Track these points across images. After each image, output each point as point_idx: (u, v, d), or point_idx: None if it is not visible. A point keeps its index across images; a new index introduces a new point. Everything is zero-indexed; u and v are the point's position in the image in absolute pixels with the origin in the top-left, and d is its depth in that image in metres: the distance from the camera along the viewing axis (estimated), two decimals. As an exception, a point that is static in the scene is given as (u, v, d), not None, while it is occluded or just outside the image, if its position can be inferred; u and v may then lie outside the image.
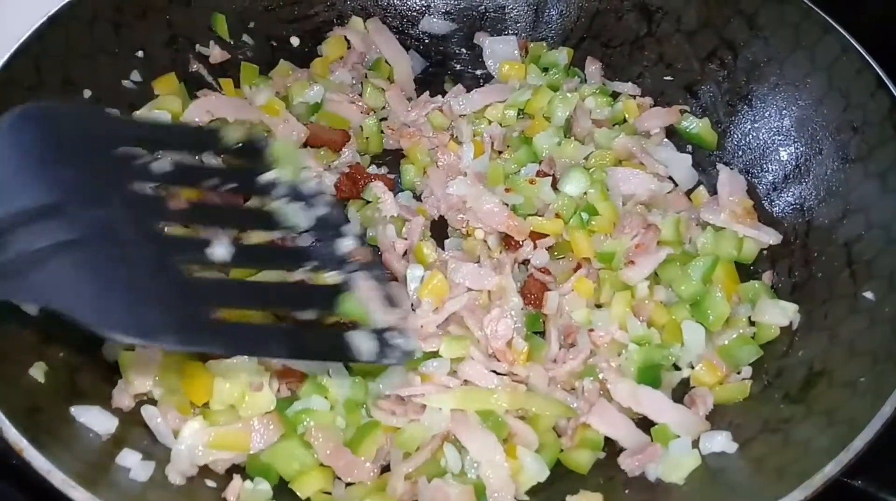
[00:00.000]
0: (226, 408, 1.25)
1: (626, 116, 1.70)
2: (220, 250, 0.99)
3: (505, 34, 1.85)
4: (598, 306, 1.42)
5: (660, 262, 1.43)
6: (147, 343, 0.97)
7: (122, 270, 0.92)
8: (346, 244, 1.08)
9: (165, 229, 1.02)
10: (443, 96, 1.75)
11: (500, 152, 1.67)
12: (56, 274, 0.87)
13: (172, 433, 1.23)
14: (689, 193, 1.62)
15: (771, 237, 1.49)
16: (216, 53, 1.71)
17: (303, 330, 1.08)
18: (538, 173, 1.58)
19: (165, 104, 1.59)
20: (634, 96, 1.73)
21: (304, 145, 1.62)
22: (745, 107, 1.62)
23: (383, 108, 1.76)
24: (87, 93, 1.50)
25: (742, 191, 1.56)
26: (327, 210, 1.09)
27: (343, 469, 1.22)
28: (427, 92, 1.78)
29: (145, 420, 1.24)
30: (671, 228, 1.47)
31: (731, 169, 1.60)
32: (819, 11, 1.50)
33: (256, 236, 1.07)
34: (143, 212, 0.97)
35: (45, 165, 0.91)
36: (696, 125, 1.66)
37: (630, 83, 1.76)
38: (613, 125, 1.68)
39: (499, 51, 1.83)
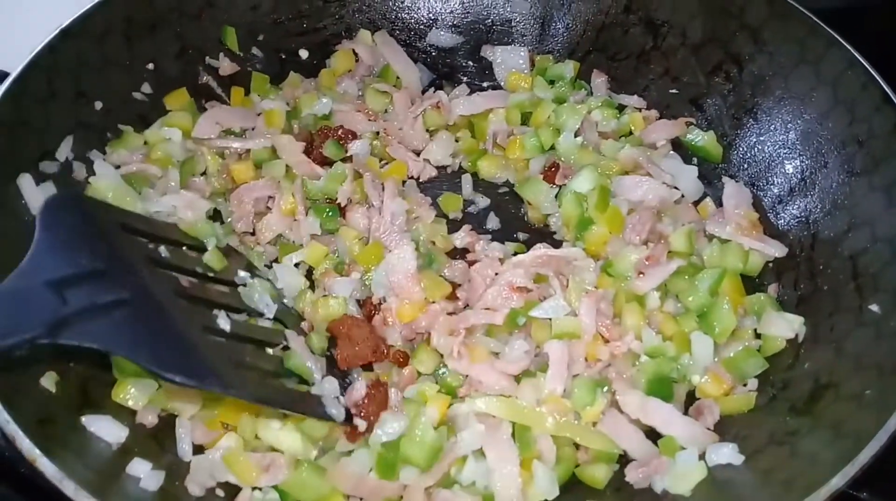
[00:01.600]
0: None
1: (633, 128, 1.71)
2: (223, 321, 1.24)
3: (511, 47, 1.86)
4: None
5: (670, 274, 1.43)
6: (195, 386, 1.10)
7: (166, 323, 1.09)
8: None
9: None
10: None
11: (503, 148, 1.70)
12: (115, 325, 1.03)
13: (194, 447, 1.25)
14: (695, 205, 1.62)
15: (776, 250, 1.50)
16: (226, 66, 1.73)
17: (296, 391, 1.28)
18: (545, 177, 1.61)
19: (175, 120, 1.61)
20: (640, 109, 1.74)
21: (307, 153, 1.63)
22: (751, 120, 1.63)
23: (385, 111, 1.76)
24: (99, 105, 1.52)
25: (747, 204, 1.56)
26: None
27: (369, 496, 1.23)
28: (431, 90, 1.81)
29: (175, 432, 1.27)
30: (683, 239, 1.47)
31: (737, 182, 1.61)
32: (824, 26, 1.51)
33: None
34: (164, 282, 1.15)
35: (88, 239, 1.09)
36: (702, 138, 1.66)
37: (636, 96, 1.76)
38: (620, 138, 1.69)
39: (509, 61, 1.84)
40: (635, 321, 1.37)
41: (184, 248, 1.32)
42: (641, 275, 1.43)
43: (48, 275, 1.01)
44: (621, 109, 1.74)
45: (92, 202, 1.27)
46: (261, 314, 1.36)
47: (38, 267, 1.03)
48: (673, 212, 1.56)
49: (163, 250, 1.22)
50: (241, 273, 1.37)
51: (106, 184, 1.44)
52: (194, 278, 1.24)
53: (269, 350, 1.31)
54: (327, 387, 1.29)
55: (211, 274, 1.31)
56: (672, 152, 1.68)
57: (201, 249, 1.36)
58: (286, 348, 1.33)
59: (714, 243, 1.49)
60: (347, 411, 1.28)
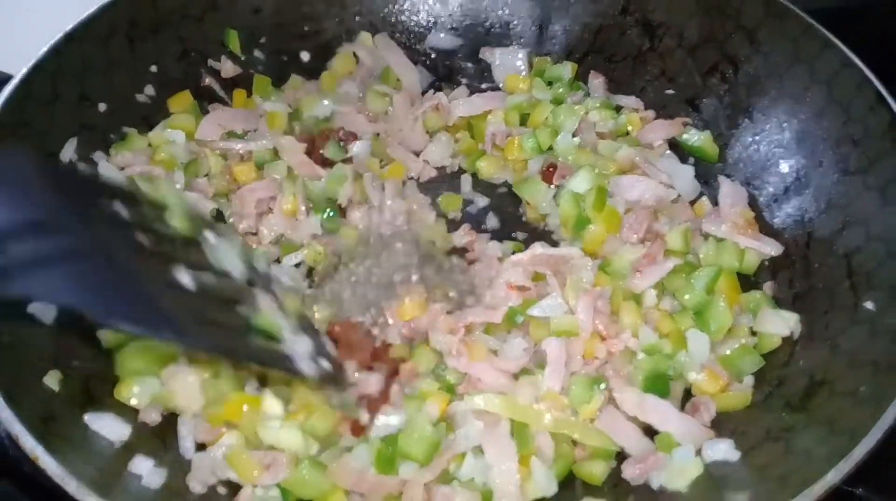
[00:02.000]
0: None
1: (630, 128, 1.72)
2: (185, 278, 1.13)
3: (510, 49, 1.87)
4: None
5: (666, 272, 1.44)
6: (148, 334, 1.10)
7: (119, 275, 1.04)
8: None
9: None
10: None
11: (501, 149, 1.71)
12: (61, 275, 0.98)
13: (196, 445, 1.27)
14: (691, 204, 1.63)
15: (772, 249, 1.51)
16: (228, 68, 1.75)
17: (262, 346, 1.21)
18: (543, 177, 1.63)
19: (178, 122, 1.63)
20: (637, 110, 1.75)
21: (308, 154, 1.64)
22: (746, 120, 1.64)
23: (386, 113, 1.78)
24: (103, 107, 1.54)
25: (743, 202, 1.57)
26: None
27: (370, 492, 1.23)
28: (431, 91, 1.82)
29: (177, 430, 1.28)
30: (679, 238, 1.48)
31: (733, 181, 1.62)
32: (819, 27, 1.51)
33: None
34: (120, 237, 1.09)
35: (35, 191, 1.02)
36: (699, 138, 1.67)
37: (633, 97, 1.77)
38: (617, 138, 1.70)
39: (507, 63, 1.85)
40: (632, 319, 1.38)
41: (144, 208, 1.22)
42: (638, 273, 1.44)
43: None
44: (618, 109, 1.75)
45: (42, 158, 1.24)
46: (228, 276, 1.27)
47: None
48: (669, 211, 1.57)
49: (120, 208, 1.14)
50: (208, 234, 1.29)
51: None
52: (153, 235, 1.16)
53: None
54: (299, 347, 1.24)
55: (171, 232, 1.22)
56: (669, 152, 1.69)
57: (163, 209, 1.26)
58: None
59: (710, 242, 1.50)
60: (327, 371, 1.26)
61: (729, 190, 1.59)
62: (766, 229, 1.55)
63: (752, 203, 1.59)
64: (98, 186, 1.18)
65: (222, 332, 1.14)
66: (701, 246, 1.50)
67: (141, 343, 1.29)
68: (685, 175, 1.64)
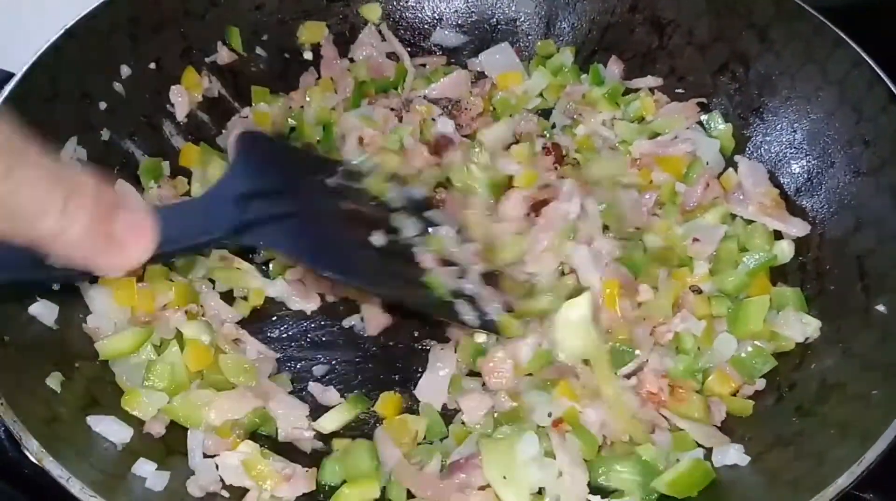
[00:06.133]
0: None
1: (644, 114, 1.70)
2: (377, 238, 1.38)
3: (517, 46, 1.86)
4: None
5: (719, 239, 1.45)
6: (345, 281, 1.37)
7: (326, 233, 1.34)
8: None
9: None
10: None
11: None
12: (283, 232, 1.27)
13: (205, 457, 1.25)
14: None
15: (799, 229, 1.48)
16: (224, 55, 1.73)
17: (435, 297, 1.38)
18: (545, 151, 1.62)
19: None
20: (653, 90, 1.73)
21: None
22: (757, 120, 1.62)
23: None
24: (103, 104, 1.52)
25: (765, 180, 1.55)
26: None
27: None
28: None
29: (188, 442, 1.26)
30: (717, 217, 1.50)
31: (749, 159, 1.60)
32: (831, 25, 1.50)
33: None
34: (329, 204, 1.39)
35: (270, 165, 1.37)
36: (720, 128, 1.66)
37: (650, 77, 1.75)
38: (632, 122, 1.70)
39: (496, 62, 1.83)
40: (670, 300, 1.38)
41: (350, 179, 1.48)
42: (697, 241, 1.45)
43: (237, 190, 1.26)
44: (627, 92, 1.75)
45: (276, 137, 1.60)
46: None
47: (229, 183, 1.29)
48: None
49: (331, 180, 1.42)
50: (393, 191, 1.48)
51: None
52: (354, 203, 1.42)
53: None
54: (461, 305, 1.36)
55: (371, 201, 1.46)
56: (695, 125, 1.67)
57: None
58: None
59: (738, 223, 1.51)
60: (488, 320, 1.37)
61: (748, 169, 1.56)
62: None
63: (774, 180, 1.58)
64: (316, 160, 1.54)
65: (403, 283, 1.35)
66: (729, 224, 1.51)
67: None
68: (711, 147, 1.62)
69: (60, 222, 0.87)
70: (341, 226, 1.38)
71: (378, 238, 1.37)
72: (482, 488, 1.21)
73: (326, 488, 1.25)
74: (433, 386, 1.38)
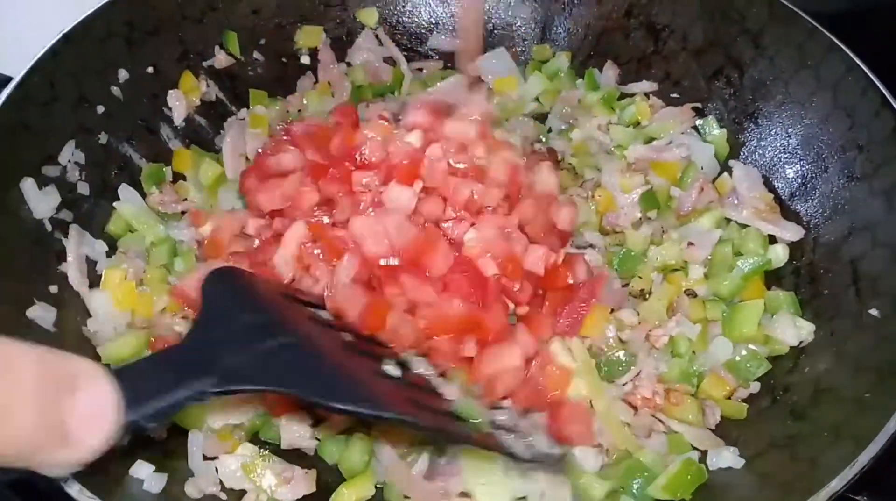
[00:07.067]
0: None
1: (640, 119, 1.71)
2: (392, 369, 1.22)
3: (513, 51, 1.86)
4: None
5: (714, 243, 1.46)
6: (371, 415, 1.12)
7: (333, 363, 1.14)
8: None
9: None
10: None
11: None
12: (285, 365, 1.09)
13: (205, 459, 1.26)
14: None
15: (793, 234, 1.50)
16: (221, 59, 1.73)
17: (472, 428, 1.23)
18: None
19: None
20: (648, 94, 1.74)
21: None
22: (752, 125, 1.63)
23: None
24: (101, 109, 1.52)
25: (759, 184, 1.57)
26: None
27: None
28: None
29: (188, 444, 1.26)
30: (711, 221, 1.51)
31: (745, 164, 1.61)
32: (824, 31, 1.51)
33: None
34: (330, 336, 1.22)
35: (249, 300, 1.20)
36: (714, 133, 1.66)
37: (644, 81, 1.76)
38: (628, 126, 1.70)
39: (492, 66, 1.83)
40: (664, 304, 1.39)
41: None
42: (692, 245, 1.46)
43: (212, 333, 1.11)
44: (622, 98, 1.75)
45: (249, 273, 1.35)
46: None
47: (202, 327, 1.13)
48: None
49: (325, 313, 1.28)
50: None
51: (130, 210, 1.49)
52: (355, 335, 1.26)
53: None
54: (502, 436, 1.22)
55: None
56: (689, 129, 1.68)
57: None
58: None
59: (732, 227, 1.52)
60: (540, 452, 1.23)
61: (742, 173, 1.58)
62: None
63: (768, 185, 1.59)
64: (301, 296, 1.31)
65: (432, 413, 1.18)
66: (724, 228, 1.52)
67: None
68: (706, 152, 1.63)
69: None
70: (348, 355, 1.19)
71: (392, 369, 1.22)
72: (462, 494, 1.23)
73: (326, 484, 1.26)
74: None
